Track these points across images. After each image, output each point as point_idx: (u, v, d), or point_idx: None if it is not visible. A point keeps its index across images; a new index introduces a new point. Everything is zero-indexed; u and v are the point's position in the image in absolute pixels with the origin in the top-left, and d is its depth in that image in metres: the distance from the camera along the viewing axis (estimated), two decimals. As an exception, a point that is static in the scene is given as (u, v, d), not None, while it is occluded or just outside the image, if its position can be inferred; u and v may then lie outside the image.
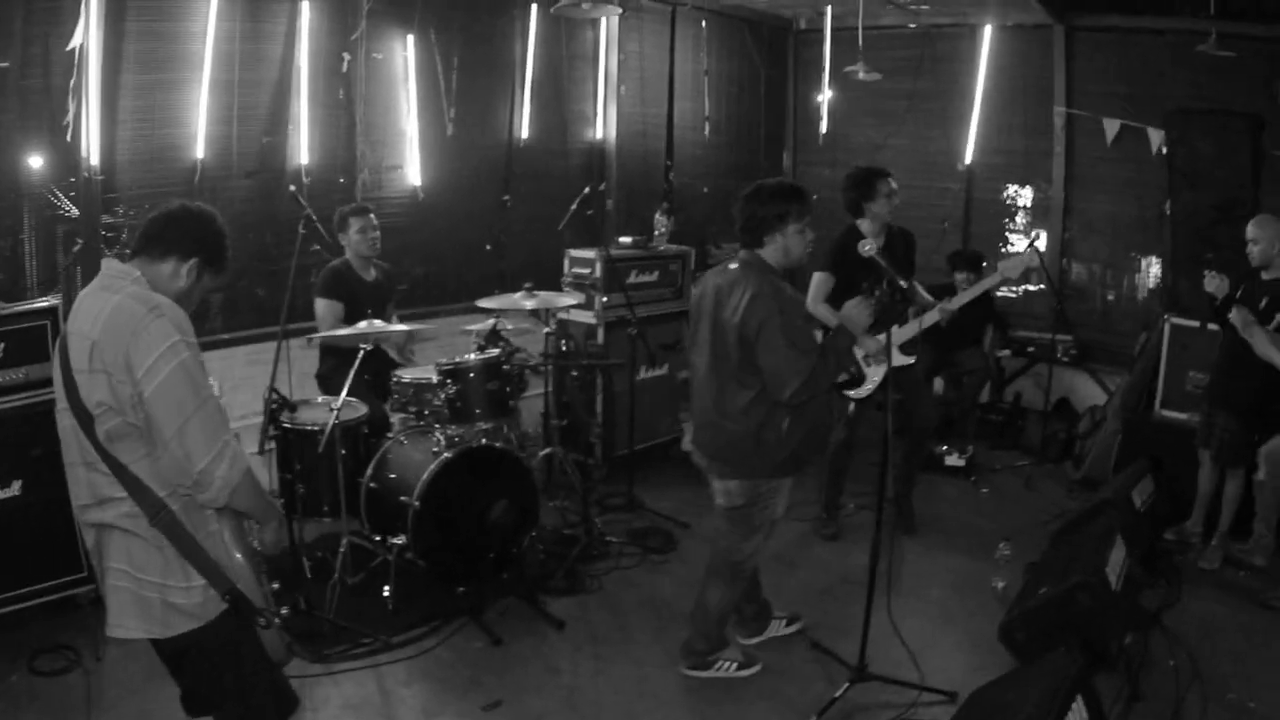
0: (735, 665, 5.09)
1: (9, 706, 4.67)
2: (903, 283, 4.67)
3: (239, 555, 3.06)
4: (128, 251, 3.36)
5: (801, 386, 4.34)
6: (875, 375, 6.33)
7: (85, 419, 2.89)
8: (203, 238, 3.17)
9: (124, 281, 2.99)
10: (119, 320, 2.86)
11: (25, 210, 5.99)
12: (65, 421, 2.98)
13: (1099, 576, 4.79)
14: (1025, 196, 9.52)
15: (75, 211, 6.06)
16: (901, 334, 6.33)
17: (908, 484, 6.94)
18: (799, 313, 4.51)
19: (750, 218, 4.59)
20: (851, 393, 6.43)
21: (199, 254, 3.14)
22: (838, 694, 4.78)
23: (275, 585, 3.46)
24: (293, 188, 5.99)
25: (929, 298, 6.53)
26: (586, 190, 7.14)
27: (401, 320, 6.85)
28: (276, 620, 3.18)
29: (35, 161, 5.97)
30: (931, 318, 6.36)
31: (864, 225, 6.34)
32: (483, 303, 6.57)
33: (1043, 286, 8.83)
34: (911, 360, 6.51)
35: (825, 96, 10.33)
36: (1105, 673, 4.69)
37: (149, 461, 2.90)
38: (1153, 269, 8.80)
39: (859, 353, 6.25)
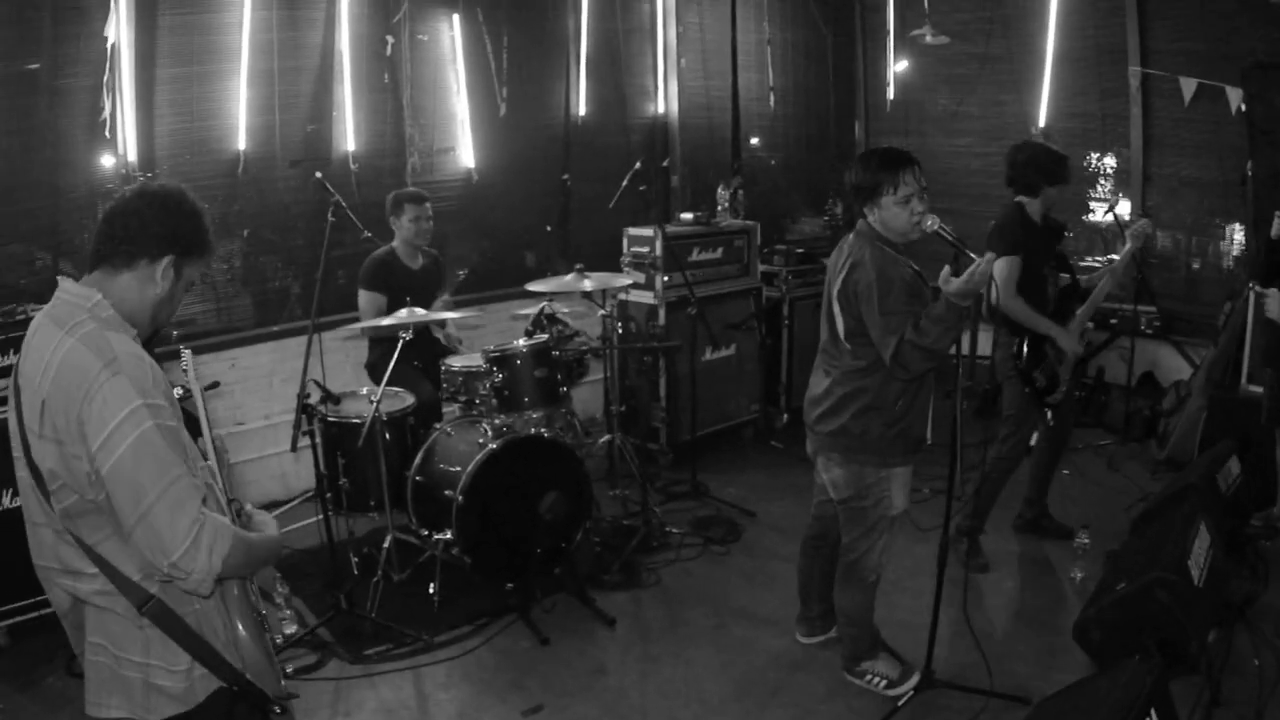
0: (885, 682, 4.70)
1: (45, 709, 4.62)
2: (971, 254, 4.29)
3: (242, 630, 2.66)
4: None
5: (899, 348, 4.04)
6: (1064, 374, 5.86)
7: (42, 484, 2.44)
8: (174, 229, 2.58)
9: (79, 313, 2.46)
10: (69, 378, 2.36)
11: (62, 213, 5.95)
12: (22, 474, 2.51)
13: (1180, 571, 4.38)
14: (1105, 162, 9.02)
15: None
16: (1080, 319, 5.84)
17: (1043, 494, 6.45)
18: (899, 279, 4.16)
19: (850, 186, 4.39)
20: (1051, 399, 5.84)
21: (173, 249, 2.57)
22: (900, 701, 4.50)
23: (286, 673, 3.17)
24: (319, 175, 5.78)
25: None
26: (638, 165, 6.86)
27: (458, 307, 6.68)
28: (290, 703, 2.85)
29: (71, 162, 5.94)
30: (1103, 292, 5.83)
31: (1032, 206, 5.73)
32: (533, 286, 6.35)
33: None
34: (1081, 349, 6.02)
35: (893, 62, 9.88)
36: (1184, 675, 4.31)
37: (117, 541, 2.43)
38: (1237, 235, 8.26)
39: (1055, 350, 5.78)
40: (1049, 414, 5.90)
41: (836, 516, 4.68)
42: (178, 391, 2.86)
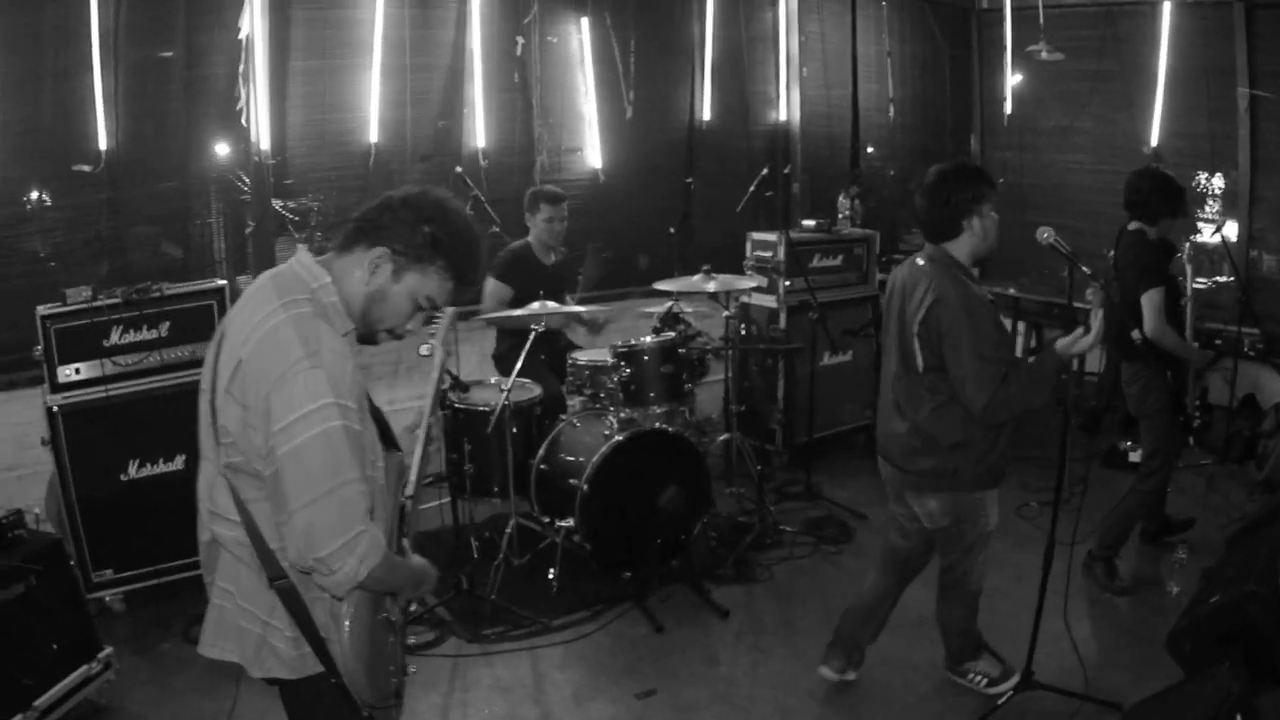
0: (986, 680, 4.68)
1: (159, 672, 4.81)
2: (1085, 268, 4.22)
3: (347, 634, 2.53)
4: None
5: (991, 402, 3.92)
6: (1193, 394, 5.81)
7: (218, 428, 2.51)
8: (411, 227, 2.54)
9: (301, 291, 2.49)
10: (270, 353, 2.38)
11: (193, 195, 6.24)
12: (204, 407, 2.57)
13: (1271, 586, 4.32)
14: (1214, 183, 8.78)
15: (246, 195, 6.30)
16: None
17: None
18: (988, 317, 4.05)
19: (944, 204, 4.11)
20: (1185, 419, 5.76)
21: (391, 244, 2.54)
22: (1000, 700, 4.49)
23: (410, 666, 3.07)
24: (459, 169, 6.02)
25: None
26: (765, 171, 6.95)
27: (583, 304, 6.79)
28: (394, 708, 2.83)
29: (204, 147, 6.23)
30: None
31: (1151, 232, 5.56)
32: (661, 285, 6.44)
33: (1230, 278, 8.10)
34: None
35: (1009, 78, 9.80)
36: (1271, 689, 4.23)
37: (267, 505, 2.46)
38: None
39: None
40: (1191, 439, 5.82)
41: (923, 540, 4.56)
42: (424, 350, 3.00)
